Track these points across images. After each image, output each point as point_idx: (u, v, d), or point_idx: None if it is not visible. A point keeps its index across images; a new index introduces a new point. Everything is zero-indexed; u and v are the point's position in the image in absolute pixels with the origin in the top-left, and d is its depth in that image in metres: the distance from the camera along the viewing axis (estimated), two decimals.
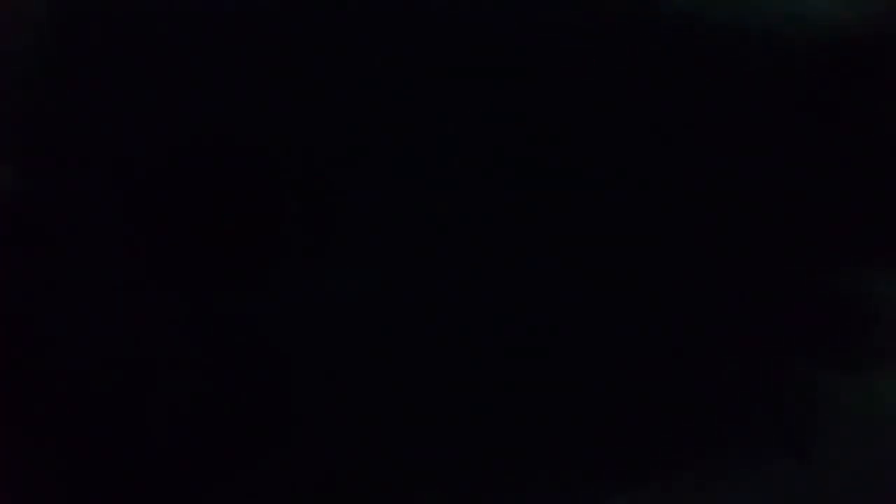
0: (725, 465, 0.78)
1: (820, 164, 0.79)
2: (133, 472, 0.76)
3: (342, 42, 0.78)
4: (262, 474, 0.76)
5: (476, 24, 0.78)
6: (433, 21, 0.78)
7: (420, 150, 0.77)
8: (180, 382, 0.76)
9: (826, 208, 0.79)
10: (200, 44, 0.77)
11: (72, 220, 0.77)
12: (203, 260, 0.76)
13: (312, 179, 0.77)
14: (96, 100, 0.77)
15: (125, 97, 0.77)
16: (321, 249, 0.77)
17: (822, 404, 0.78)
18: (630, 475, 0.78)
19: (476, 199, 0.77)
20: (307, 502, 0.77)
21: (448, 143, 0.77)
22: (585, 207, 0.78)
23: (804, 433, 0.78)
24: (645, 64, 0.78)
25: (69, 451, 0.76)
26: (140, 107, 0.77)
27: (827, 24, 0.79)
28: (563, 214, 0.78)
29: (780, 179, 0.79)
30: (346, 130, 0.77)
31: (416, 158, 0.77)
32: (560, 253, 0.78)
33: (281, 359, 0.76)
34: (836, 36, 0.79)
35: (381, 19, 0.78)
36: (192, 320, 0.76)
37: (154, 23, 0.78)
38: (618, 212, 0.78)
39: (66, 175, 0.77)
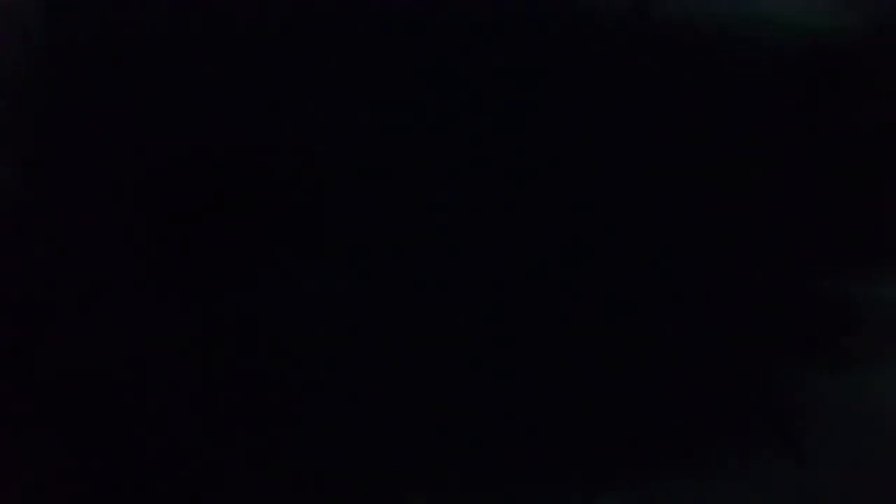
0: (715, 465, 0.78)
1: (804, 169, 0.80)
2: (129, 471, 0.77)
3: (328, 48, 0.79)
4: (256, 472, 0.77)
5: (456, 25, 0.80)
6: (418, 23, 0.79)
7: (410, 152, 0.78)
8: (175, 381, 0.77)
9: (811, 216, 0.79)
10: (195, 46, 0.78)
11: (70, 220, 0.78)
12: (197, 259, 0.77)
13: (305, 179, 0.78)
14: (94, 101, 0.78)
15: (123, 98, 0.78)
16: (315, 249, 0.77)
17: (811, 403, 0.79)
18: (620, 475, 0.78)
19: (462, 197, 0.78)
20: (300, 499, 0.77)
21: (434, 142, 0.78)
22: (572, 208, 0.78)
23: (793, 432, 0.78)
24: (636, 65, 0.79)
25: (67, 451, 0.77)
26: (137, 109, 0.78)
27: (823, 29, 0.80)
28: (543, 217, 0.79)
29: (764, 185, 0.79)
30: (339, 133, 0.78)
31: (405, 159, 0.78)
32: (545, 252, 0.78)
33: (275, 357, 0.77)
34: (833, 40, 0.80)
35: (371, 24, 0.79)
36: (188, 320, 0.77)
37: (152, 27, 0.79)
38: (602, 212, 0.78)
39: (64, 176, 0.78)
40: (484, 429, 0.77)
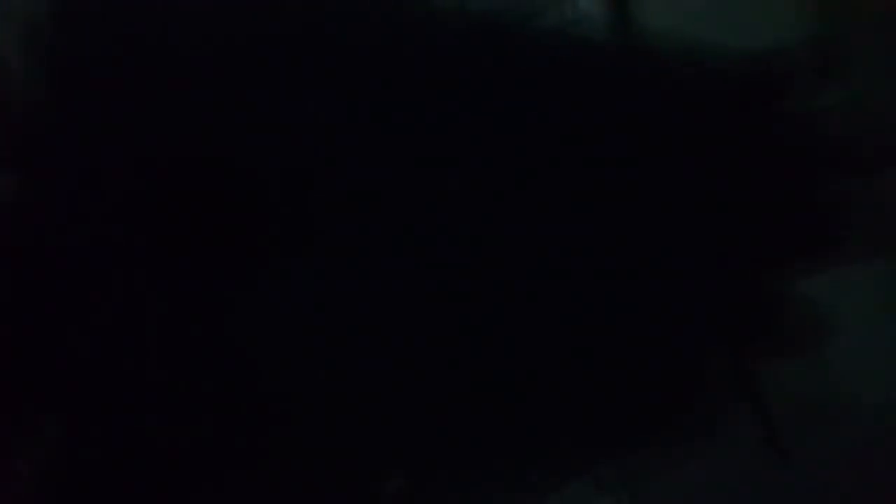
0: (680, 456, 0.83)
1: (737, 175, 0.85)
2: (124, 471, 0.77)
3: (320, 53, 0.81)
4: (249, 473, 0.78)
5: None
6: (412, 25, 0.83)
7: (401, 155, 0.80)
8: (170, 382, 0.77)
9: (745, 218, 0.84)
10: (188, 52, 0.80)
11: (67, 223, 0.78)
12: (192, 261, 0.78)
13: (298, 182, 0.79)
14: (90, 106, 0.79)
15: (119, 105, 0.79)
16: (310, 250, 0.79)
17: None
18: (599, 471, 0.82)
19: (452, 200, 0.80)
20: (296, 499, 0.79)
21: (426, 148, 0.81)
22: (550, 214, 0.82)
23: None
24: (592, 91, 0.84)
25: (64, 450, 0.77)
26: (132, 114, 0.79)
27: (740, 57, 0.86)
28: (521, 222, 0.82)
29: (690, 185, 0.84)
30: (333, 136, 0.80)
31: (398, 163, 0.80)
32: (524, 255, 0.81)
33: (269, 359, 0.78)
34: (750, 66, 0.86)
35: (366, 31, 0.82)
36: (183, 320, 0.78)
37: (148, 34, 0.80)
38: (560, 208, 0.82)
39: (60, 180, 0.78)
40: (475, 427, 0.80)
